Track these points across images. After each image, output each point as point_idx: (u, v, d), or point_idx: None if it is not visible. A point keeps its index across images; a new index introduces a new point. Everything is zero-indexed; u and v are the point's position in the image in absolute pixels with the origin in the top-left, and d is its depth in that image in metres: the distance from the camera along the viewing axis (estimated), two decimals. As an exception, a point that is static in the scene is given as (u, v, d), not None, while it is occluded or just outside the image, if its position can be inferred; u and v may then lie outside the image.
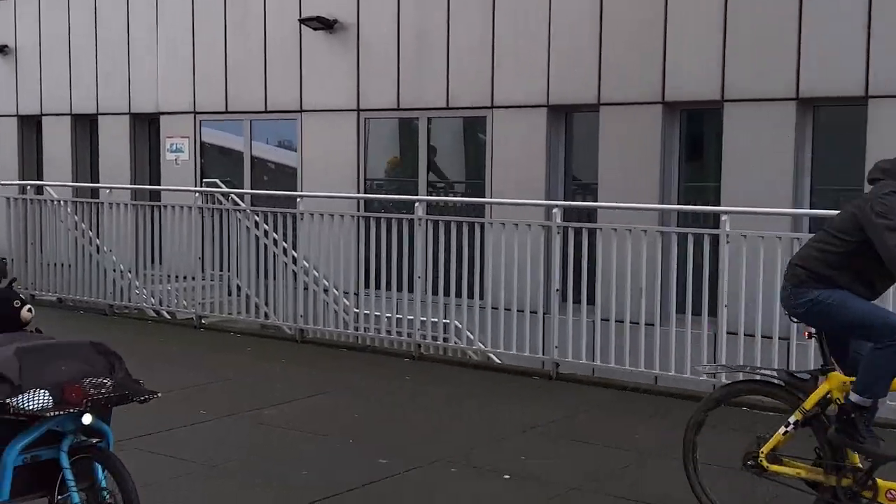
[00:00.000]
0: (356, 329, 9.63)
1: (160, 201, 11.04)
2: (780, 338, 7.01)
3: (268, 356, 8.68)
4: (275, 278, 9.68)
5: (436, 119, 12.88)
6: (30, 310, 4.25)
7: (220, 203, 10.67)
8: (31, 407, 3.59)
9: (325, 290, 9.62)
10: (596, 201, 11.04)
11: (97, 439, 3.86)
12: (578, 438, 6.31)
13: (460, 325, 8.83)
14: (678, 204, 10.78)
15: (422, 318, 8.62)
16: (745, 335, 7.09)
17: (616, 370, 7.70)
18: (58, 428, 3.76)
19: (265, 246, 9.78)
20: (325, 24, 13.18)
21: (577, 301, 8.14)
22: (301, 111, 13.72)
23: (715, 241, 7.28)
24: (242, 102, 14.31)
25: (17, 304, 4.21)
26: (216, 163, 15.08)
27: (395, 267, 8.76)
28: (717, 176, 10.64)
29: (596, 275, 7.74)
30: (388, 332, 9.05)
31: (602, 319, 7.76)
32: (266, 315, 9.88)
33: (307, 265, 9.48)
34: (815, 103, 10.14)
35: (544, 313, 8.17)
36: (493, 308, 8.32)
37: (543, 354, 8.17)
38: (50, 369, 3.72)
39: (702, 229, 7.57)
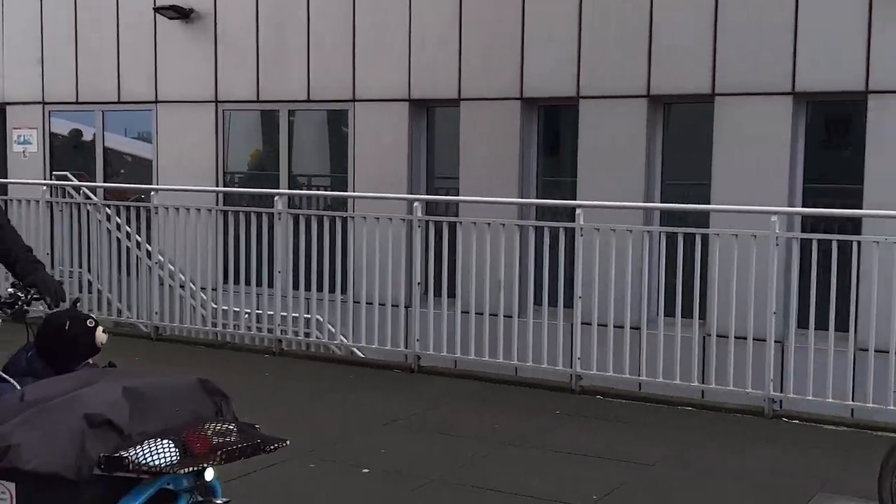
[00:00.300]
0: (214, 325, 9.45)
1: (6, 195, 10.54)
2: (631, 327, 7.25)
3: (122, 354, 8.27)
4: (129, 274, 9.39)
5: (297, 112, 12.75)
6: (104, 331, 3.71)
7: (72, 197, 10.28)
8: (157, 463, 2.89)
9: (182, 286, 9.40)
10: (457, 195, 11.17)
11: (220, 500, 3.16)
12: (439, 430, 6.37)
13: (322, 320, 8.77)
14: (537, 198, 11.02)
15: (282, 314, 8.52)
16: (598, 325, 7.30)
17: (477, 362, 7.81)
18: (169, 485, 3.07)
19: (119, 241, 9.48)
20: (180, 14, 12.85)
21: (438, 294, 8.20)
22: (156, 102, 13.34)
23: (571, 234, 7.47)
24: (94, 93, 13.80)
25: (90, 323, 3.69)
26: (67, 155, 14.50)
27: (255, 262, 8.64)
28: (573, 171, 10.91)
29: (456, 268, 7.83)
30: (248, 328, 8.92)
31: (463, 312, 7.86)
32: (120, 312, 9.58)
33: (163, 260, 9.25)
34: (665, 101, 10.52)
35: (406, 307, 8.21)
36: (355, 302, 8.30)
37: (406, 348, 8.21)
38: (159, 413, 3.06)
39: (558, 223, 7.74)
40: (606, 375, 7.33)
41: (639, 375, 7.31)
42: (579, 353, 7.31)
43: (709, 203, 9.78)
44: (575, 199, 10.15)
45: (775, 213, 6.88)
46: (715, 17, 10.02)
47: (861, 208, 9.04)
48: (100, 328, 3.68)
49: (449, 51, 11.37)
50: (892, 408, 6.39)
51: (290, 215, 8.53)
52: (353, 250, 8.32)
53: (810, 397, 6.72)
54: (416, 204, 8.16)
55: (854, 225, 8.77)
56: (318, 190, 12.94)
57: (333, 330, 8.74)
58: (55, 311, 3.80)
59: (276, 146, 12.87)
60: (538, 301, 7.78)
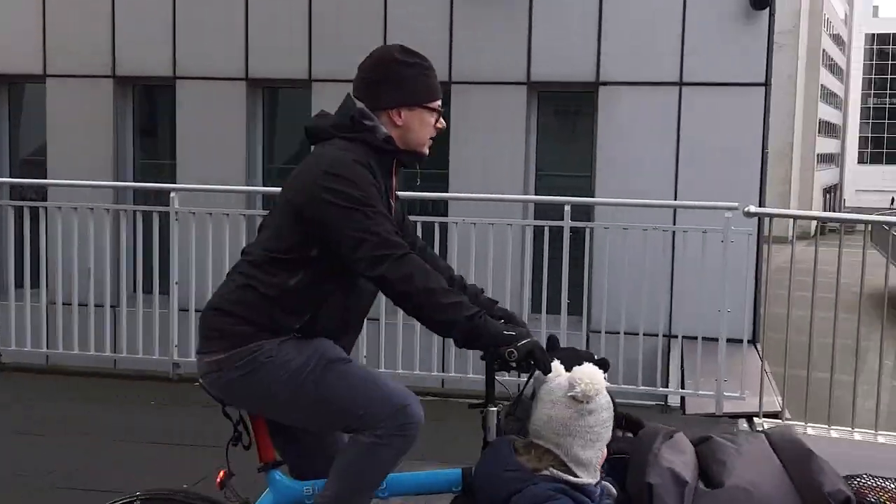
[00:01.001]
0: None
1: None
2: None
3: None
4: None
5: None
6: None
7: None
8: None
9: None
10: (46, 178, 10.42)
11: None
12: (24, 431, 5.93)
13: None
14: (134, 181, 10.61)
15: None
16: (195, 311, 7.15)
17: (70, 356, 7.35)
18: None
19: None
20: None
21: (20, 286, 7.58)
22: None
23: (166, 218, 7.23)
24: None
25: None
26: None
27: None
28: (172, 153, 10.63)
29: (40, 257, 7.29)
30: None
31: (50, 303, 7.35)
32: None
33: None
34: (264, 84, 10.57)
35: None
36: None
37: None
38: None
39: (152, 207, 7.46)
40: (206, 361, 7.19)
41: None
42: (177, 341, 7.13)
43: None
44: (175, 183, 9.91)
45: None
46: (310, 9, 10.23)
47: (447, 192, 9.70)
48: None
49: (32, 24, 10.56)
50: (471, 376, 6.91)
51: None
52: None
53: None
54: (-7, 188, 7.49)
55: (445, 208, 9.39)
56: None
57: None
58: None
59: None
60: (134, 289, 7.50)
